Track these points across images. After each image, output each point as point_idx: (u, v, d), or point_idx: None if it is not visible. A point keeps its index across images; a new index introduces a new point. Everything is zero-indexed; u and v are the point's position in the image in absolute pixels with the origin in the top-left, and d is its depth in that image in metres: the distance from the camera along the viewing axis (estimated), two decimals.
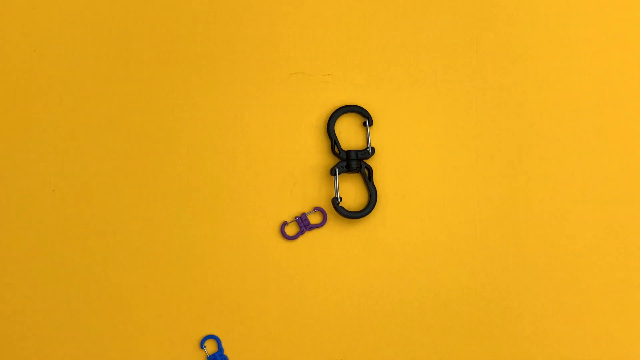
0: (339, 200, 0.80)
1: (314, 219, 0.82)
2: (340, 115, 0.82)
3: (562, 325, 0.81)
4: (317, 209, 0.81)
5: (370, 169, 0.81)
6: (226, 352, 0.81)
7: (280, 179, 0.82)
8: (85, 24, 0.84)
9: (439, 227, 0.82)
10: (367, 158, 0.81)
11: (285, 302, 0.81)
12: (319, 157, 0.83)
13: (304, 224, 0.81)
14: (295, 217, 0.81)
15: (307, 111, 0.83)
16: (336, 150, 0.81)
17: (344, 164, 0.80)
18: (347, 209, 0.81)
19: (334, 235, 0.82)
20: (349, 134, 0.83)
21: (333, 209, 0.81)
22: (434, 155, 0.83)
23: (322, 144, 0.83)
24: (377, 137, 0.83)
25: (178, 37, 0.84)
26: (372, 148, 0.81)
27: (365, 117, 0.82)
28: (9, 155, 0.83)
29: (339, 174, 0.81)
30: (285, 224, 0.81)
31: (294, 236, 0.81)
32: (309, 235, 0.82)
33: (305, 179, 0.82)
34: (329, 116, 0.82)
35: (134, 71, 0.84)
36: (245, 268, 0.82)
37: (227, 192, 0.82)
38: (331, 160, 0.82)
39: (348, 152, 0.81)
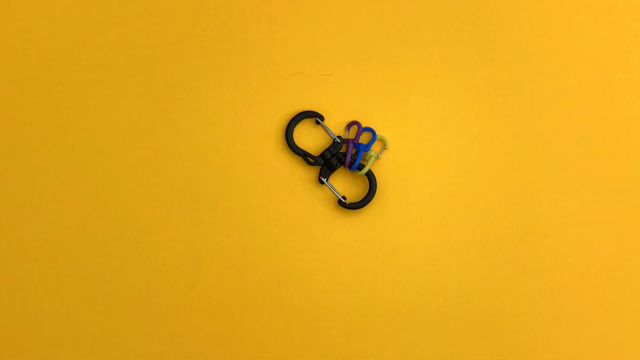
0: (344, 200, 0.81)
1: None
2: (294, 127, 0.81)
3: (562, 325, 0.81)
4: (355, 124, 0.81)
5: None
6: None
7: (281, 179, 0.82)
8: (85, 23, 0.84)
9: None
10: (340, 149, 0.81)
11: (280, 294, 0.82)
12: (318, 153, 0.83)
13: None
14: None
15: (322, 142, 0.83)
16: (310, 160, 0.81)
17: (326, 167, 0.81)
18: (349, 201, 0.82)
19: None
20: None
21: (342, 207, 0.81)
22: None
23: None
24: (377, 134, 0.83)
25: (178, 37, 0.84)
26: (339, 137, 0.81)
27: (315, 115, 0.81)
28: (9, 155, 0.83)
29: (328, 179, 0.81)
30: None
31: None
32: (306, 226, 0.82)
33: (305, 177, 0.82)
34: (285, 136, 0.81)
35: (134, 71, 0.83)
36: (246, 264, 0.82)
37: (226, 192, 0.82)
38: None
39: (322, 155, 0.81)
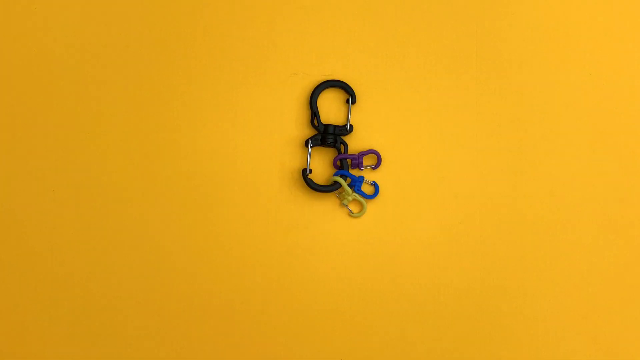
0: (308, 171, 0.81)
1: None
2: (324, 88, 0.82)
3: (562, 325, 0.81)
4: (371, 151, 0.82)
5: (345, 145, 0.81)
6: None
7: (280, 178, 0.82)
8: (85, 24, 0.84)
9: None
10: (344, 134, 0.82)
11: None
12: (319, 156, 0.83)
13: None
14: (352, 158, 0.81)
15: (307, 111, 0.83)
16: (315, 122, 0.81)
17: (319, 137, 0.81)
18: (318, 182, 0.82)
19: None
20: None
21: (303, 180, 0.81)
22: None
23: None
24: (377, 135, 0.83)
25: (178, 37, 0.84)
26: (351, 125, 0.82)
27: (349, 94, 0.82)
28: (9, 155, 0.83)
29: (313, 146, 0.81)
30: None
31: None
32: (306, 224, 0.82)
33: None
34: (313, 89, 0.82)
35: (134, 71, 0.84)
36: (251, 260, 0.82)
37: (226, 191, 0.82)
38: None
39: (326, 126, 0.81)
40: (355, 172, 0.82)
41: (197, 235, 0.82)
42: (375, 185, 0.82)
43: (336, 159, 0.81)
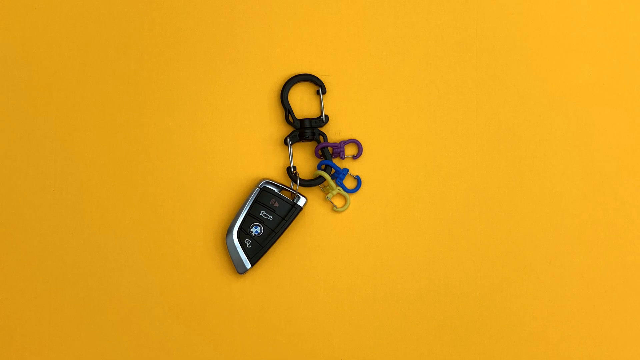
0: (293, 169, 0.81)
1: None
2: (293, 84, 0.82)
3: (562, 325, 0.81)
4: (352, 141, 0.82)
5: (325, 136, 0.81)
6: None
7: (280, 178, 0.82)
8: (85, 24, 0.84)
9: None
10: (321, 126, 0.81)
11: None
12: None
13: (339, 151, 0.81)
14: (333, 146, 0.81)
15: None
16: (290, 119, 0.81)
17: (297, 132, 0.81)
18: (306, 177, 0.82)
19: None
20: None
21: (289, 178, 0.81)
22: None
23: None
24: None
25: (178, 37, 0.84)
26: (326, 116, 0.82)
27: (318, 85, 0.82)
28: (9, 155, 0.83)
29: (292, 143, 0.81)
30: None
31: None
32: (303, 224, 0.82)
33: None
34: (282, 86, 0.82)
35: (134, 71, 0.84)
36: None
37: (226, 190, 0.82)
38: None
39: (302, 121, 0.81)
40: (338, 163, 0.82)
41: (196, 236, 0.82)
42: (358, 178, 0.81)
43: (317, 148, 0.81)
